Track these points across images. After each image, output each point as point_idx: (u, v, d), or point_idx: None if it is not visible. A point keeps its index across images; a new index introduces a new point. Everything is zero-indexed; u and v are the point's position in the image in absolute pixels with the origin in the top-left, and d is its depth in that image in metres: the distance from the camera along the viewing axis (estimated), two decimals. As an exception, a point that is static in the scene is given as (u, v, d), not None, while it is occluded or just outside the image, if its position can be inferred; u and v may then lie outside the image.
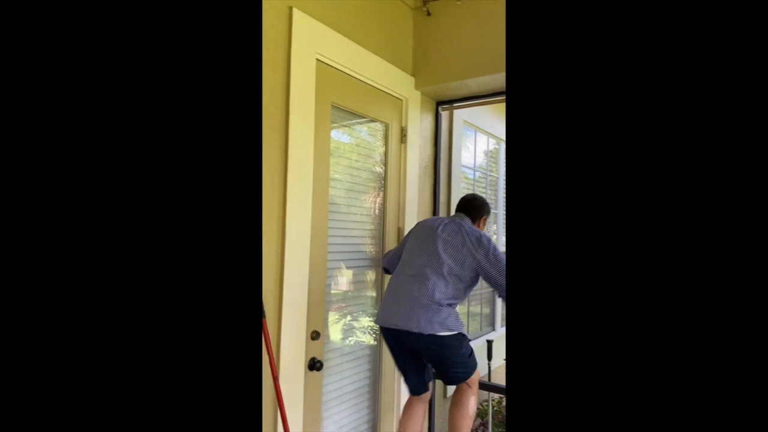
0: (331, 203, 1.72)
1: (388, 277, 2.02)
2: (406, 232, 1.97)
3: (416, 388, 1.75)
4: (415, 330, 1.56)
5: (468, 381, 1.67)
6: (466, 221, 1.75)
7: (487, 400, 2.75)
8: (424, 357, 1.69)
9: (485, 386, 2.11)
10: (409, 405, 1.77)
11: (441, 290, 1.60)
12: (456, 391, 1.71)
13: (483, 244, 1.64)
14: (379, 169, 2.02)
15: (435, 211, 2.32)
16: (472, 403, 1.68)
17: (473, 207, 1.82)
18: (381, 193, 2.02)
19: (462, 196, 1.94)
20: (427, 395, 1.77)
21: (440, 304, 1.59)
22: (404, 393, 2.07)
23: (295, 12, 1.50)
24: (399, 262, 1.77)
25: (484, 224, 1.86)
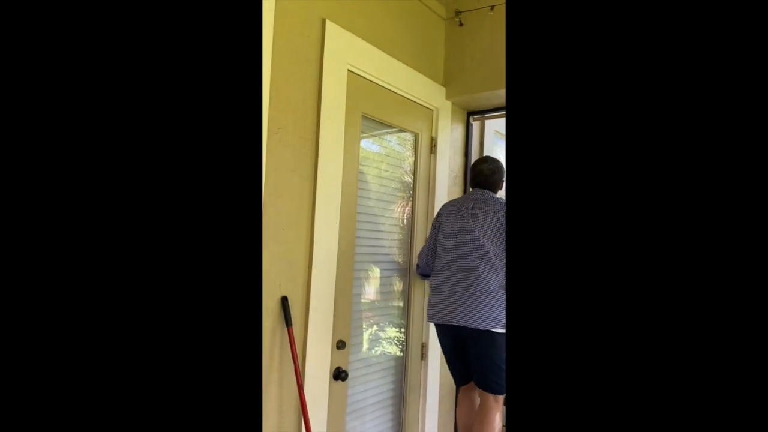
0: (360, 212, 1.72)
1: (416, 287, 2.01)
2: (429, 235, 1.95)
3: (463, 377, 1.80)
4: (472, 326, 1.61)
5: (497, 396, 1.65)
6: (489, 194, 1.76)
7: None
8: (472, 351, 1.69)
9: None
10: (458, 401, 1.86)
11: (494, 279, 1.63)
12: (481, 408, 1.69)
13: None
14: (408, 179, 2.01)
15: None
16: (498, 420, 1.66)
17: (493, 182, 1.80)
18: (410, 203, 2.01)
19: (473, 165, 1.87)
20: (473, 386, 1.79)
21: (496, 296, 1.62)
22: (429, 406, 2.04)
23: (328, 24, 1.52)
24: (439, 256, 1.76)
25: (502, 186, 1.86)
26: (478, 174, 1.81)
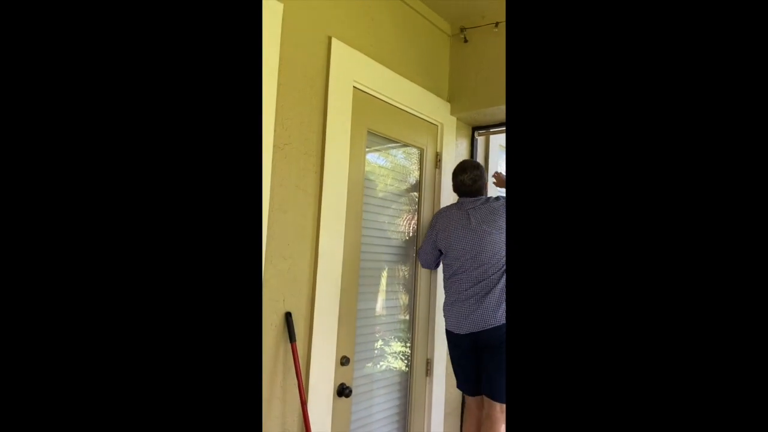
0: (364, 227, 1.73)
1: (421, 302, 2.00)
2: (433, 245, 1.94)
3: (475, 388, 1.80)
4: (500, 322, 1.69)
5: (503, 407, 1.68)
6: (481, 198, 1.84)
7: None
8: (486, 353, 1.74)
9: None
10: (465, 417, 1.86)
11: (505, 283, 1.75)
12: (488, 420, 1.72)
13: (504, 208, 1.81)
14: (413, 193, 2.02)
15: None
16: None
17: (477, 189, 1.85)
18: (415, 217, 2.01)
19: (454, 174, 1.89)
20: (482, 400, 1.81)
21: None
22: (435, 423, 2.01)
23: (334, 41, 1.54)
24: (456, 270, 1.80)
25: (487, 185, 1.92)
26: (461, 185, 1.86)
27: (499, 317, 1.70)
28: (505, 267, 1.75)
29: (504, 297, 1.71)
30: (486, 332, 1.71)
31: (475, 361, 1.78)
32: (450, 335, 1.84)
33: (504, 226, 1.75)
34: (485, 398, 1.75)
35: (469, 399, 1.86)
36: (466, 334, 1.75)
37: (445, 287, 1.88)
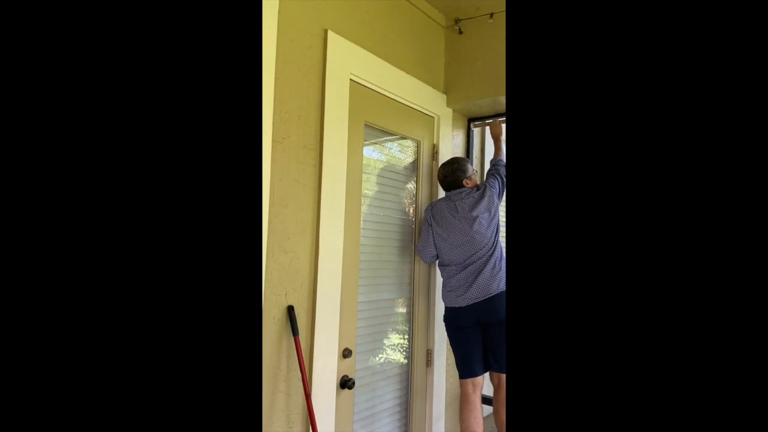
0: (363, 220, 1.73)
1: (420, 294, 2.01)
2: (433, 244, 1.95)
3: (479, 366, 1.86)
4: (498, 290, 1.79)
5: None
6: (465, 190, 1.92)
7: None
8: (492, 331, 1.82)
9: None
10: (466, 400, 1.85)
11: (498, 254, 1.87)
12: (501, 391, 1.80)
13: (487, 187, 1.90)
14: (410, 186, 2.02)
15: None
16: None
17: (454, 180, 1.93)
18: (412, 210, 2.02)
19: (438, 171, 2.00)
20: (481, 383, 1.87)
21: (502, 266, 1.86)
22: (436, 412, 2.03)
23: (330, 34, 1.54)
24: (450, 254, 1.87)
25: (472, 180, 1.96)
26: (442, 181, 1.99)
27: (495, 287, 1.80)
28: (493, 243, 1.86)
29: (497, 269, 1.83)
30: (487, 302, 1.79)
31: (478, 337, 1.84)
32: (450, 316, 1.88)
33: (487, 206, 1.86)
34: (497, 374, 1.85)
35: (466, 385, 1.85)
36: (468, 306, 1.81)
37: (441, 272, 1.95)
